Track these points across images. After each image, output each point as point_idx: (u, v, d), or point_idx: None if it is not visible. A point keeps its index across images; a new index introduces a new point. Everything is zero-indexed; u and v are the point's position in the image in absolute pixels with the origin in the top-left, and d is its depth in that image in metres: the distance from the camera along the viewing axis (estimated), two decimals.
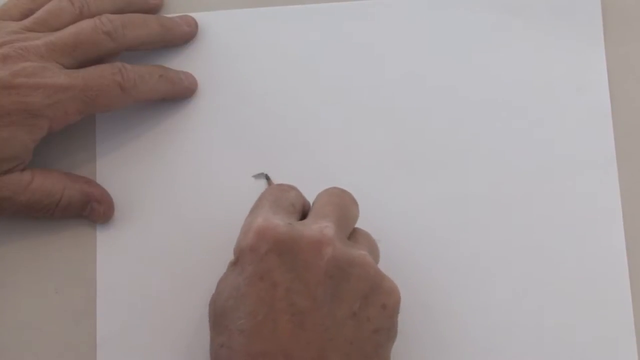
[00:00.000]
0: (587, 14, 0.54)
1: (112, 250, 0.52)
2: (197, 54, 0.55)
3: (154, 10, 0.55)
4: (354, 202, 0.48)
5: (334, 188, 0.48)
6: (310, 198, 0.48)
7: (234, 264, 0.45)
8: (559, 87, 0.53)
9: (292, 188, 0.48)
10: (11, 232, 0.52)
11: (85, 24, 0.51)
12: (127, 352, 0.51)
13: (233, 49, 0.55)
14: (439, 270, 0.51)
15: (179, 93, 0.54)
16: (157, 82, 0.52)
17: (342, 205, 0.47)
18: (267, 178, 0.52)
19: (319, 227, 0.44)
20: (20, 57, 0.48)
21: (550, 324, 0.50)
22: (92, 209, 0.52)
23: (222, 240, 0.52)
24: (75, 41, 0.50)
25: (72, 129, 0.51)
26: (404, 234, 0.52)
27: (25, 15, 0.52)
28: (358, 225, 0.48)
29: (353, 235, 0.47)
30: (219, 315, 0.44)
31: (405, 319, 0.45)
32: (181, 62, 0.55)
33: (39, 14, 0.51)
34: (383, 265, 0.46)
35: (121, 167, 0.53)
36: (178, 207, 0.53)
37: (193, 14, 0.55)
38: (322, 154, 0.53)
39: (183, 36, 0.55)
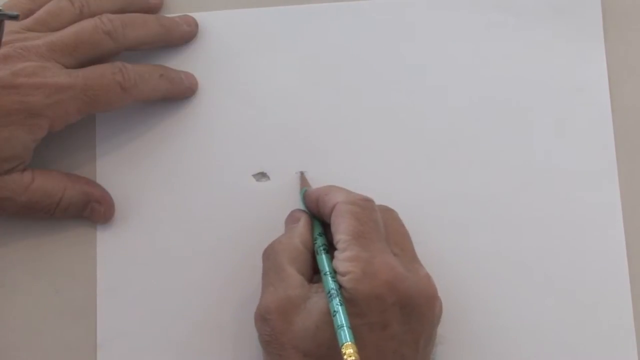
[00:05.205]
0: (587, 14, 0.54)
1: (112, 250, 0.52)
2: (197, 54, 0.55)
3: (154, 10, 0.55)
4: (376, 210, 0.47)
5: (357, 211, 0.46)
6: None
7: (349, 302, 0.44)
8: (559, 87, 0.53)
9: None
10: (11, 232, 0.52)
11: (86, 24, 0.51)
12: (127, 352, 0.51)
13: (233, 49, 0.55)
14: (438, 270, 0.51)
15: (179, 93, 0.54)
16: (157, 82, 0.52)
17: (379, 224, 0.47)
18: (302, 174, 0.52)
19: (426, 275, 0.46)
20: (21, 57, 0.48)
21: (551, 324, 0.50)
22: (92, 210, 0.52)
23: (222, 239, 0.52)
24: (75, 41, 0.50)
25: (72, 129, 0.51)
26: None
27: (25, 16, 0.52)
28: None
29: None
30: (318, 345, 0.44)
31: None
32: (181, 62, 0.55)
33: (39, 14, 0.51)
34: None
35: (121, 167, 0.53)
36: (178, 207, 0.53)
37: (193, 14, 0.55)
38: (321, 154, 0.53)
39: (183, 36, 0.55)
